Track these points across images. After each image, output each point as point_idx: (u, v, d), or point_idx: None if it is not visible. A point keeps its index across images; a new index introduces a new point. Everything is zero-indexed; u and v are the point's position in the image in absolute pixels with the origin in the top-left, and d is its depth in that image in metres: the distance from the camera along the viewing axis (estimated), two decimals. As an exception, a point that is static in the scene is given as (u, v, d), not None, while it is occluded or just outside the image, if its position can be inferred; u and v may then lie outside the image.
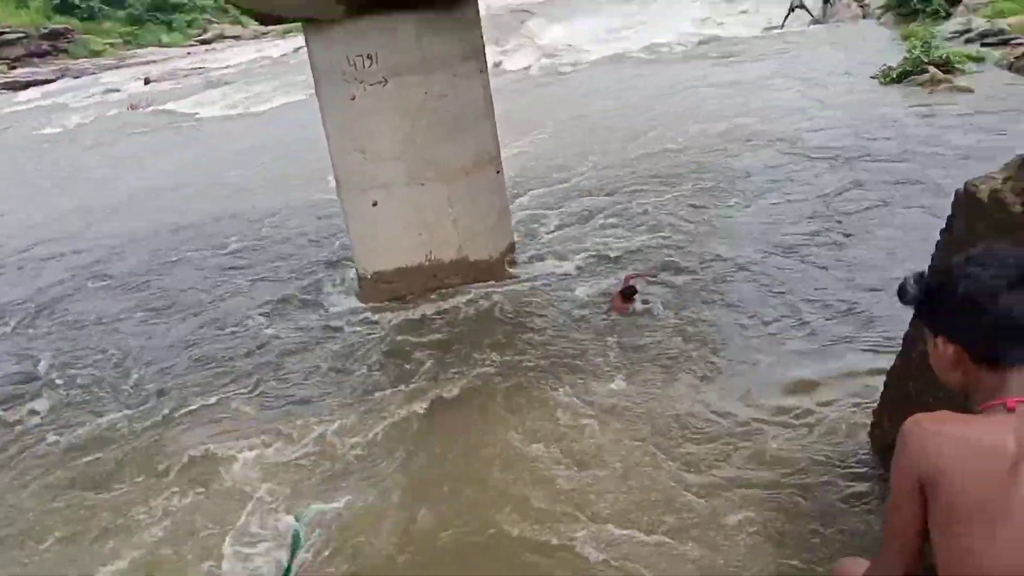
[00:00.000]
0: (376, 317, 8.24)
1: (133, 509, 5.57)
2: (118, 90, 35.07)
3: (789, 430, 5.37)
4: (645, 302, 7.63)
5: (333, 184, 8.85)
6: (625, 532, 4.63)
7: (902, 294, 1.92)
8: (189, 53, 49.25)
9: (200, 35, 55.55)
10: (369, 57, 7.72)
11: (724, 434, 5.45)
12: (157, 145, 21.06)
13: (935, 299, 1.84)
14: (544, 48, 28.81)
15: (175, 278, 10.40)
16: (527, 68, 24.67)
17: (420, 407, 6.41)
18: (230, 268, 10.46)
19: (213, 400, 7.05)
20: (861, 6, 24.18)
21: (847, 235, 8.47)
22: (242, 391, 7.14)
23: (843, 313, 6.84)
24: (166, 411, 6.96)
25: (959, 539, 1.69)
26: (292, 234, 11.39)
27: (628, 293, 7.65)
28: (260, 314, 8.83)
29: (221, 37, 54.79)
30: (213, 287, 9.88)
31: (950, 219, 5.41)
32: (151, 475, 5.98)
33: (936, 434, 1.72)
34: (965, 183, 5.23)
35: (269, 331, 8.36)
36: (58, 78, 42.90)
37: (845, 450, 5.05)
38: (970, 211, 5.10)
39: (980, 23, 17.53)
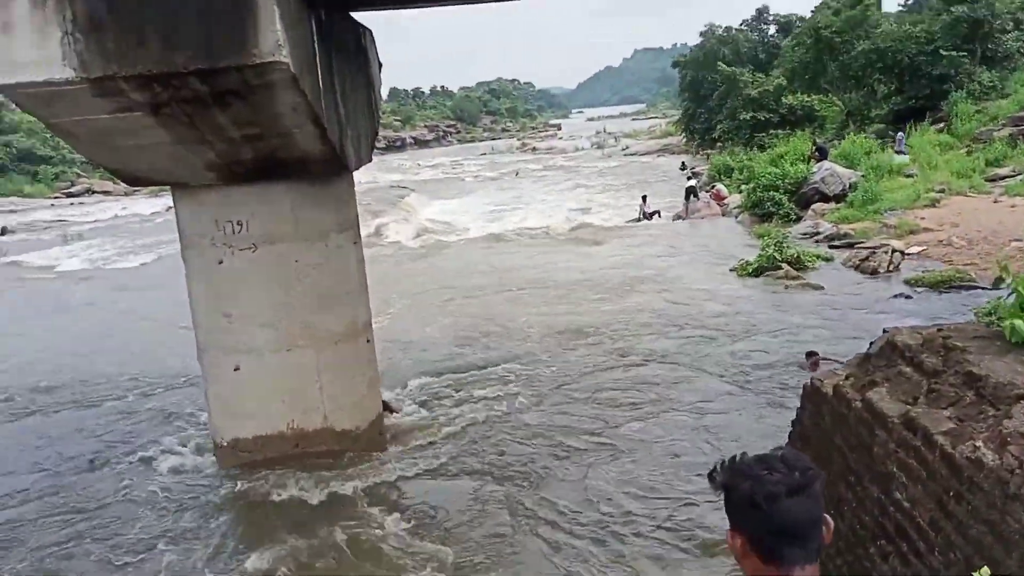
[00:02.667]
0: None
1: None
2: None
3: None
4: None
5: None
6: None
7: (711, 480, 2.00)
8: (53, 205, 48.31)
9: (67, 188, 54.72)
10: (240, 223, 7.75)
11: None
12: (7, 299, 20.22)
13: (728, 493, 1.93)
14: (423, 223, 29.49)
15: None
16: (405, 241, 25.11)
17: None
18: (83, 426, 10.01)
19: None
20: (720, 205, 25.70)
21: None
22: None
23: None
24: None
25: None
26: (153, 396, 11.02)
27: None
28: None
29: (90, 191, 54.12)
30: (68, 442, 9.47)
31: (799, 410, 5.75)
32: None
33: None
34: (811, 377, 5.60)
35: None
36: (-96, 220, 40.67)
37: None
38: (816, 403, 5.43)
39: (827, 227, 18.95)
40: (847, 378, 5.14)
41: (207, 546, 6.99)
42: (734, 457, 1.97)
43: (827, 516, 1.90)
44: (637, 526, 6.82)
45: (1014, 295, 4.78)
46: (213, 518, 7.51)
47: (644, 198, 28.55)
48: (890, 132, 28.37)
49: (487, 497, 7.50)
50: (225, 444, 8.43)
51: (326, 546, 6.84)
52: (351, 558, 6.68)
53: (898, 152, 24.79)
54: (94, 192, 53.98)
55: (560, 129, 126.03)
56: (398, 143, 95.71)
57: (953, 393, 4.33)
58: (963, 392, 4.30)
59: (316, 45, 6.82)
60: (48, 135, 53.75)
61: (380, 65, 9.58)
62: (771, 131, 35.40)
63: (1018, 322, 4.49)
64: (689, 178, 30.43)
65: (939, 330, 4.97)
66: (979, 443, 3.79)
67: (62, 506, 8.00)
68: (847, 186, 21.93)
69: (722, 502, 1.95)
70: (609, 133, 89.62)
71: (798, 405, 5.65)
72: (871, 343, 5.35)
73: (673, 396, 9.73)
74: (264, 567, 6.56)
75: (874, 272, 15.06)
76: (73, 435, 9.93)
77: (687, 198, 27.28)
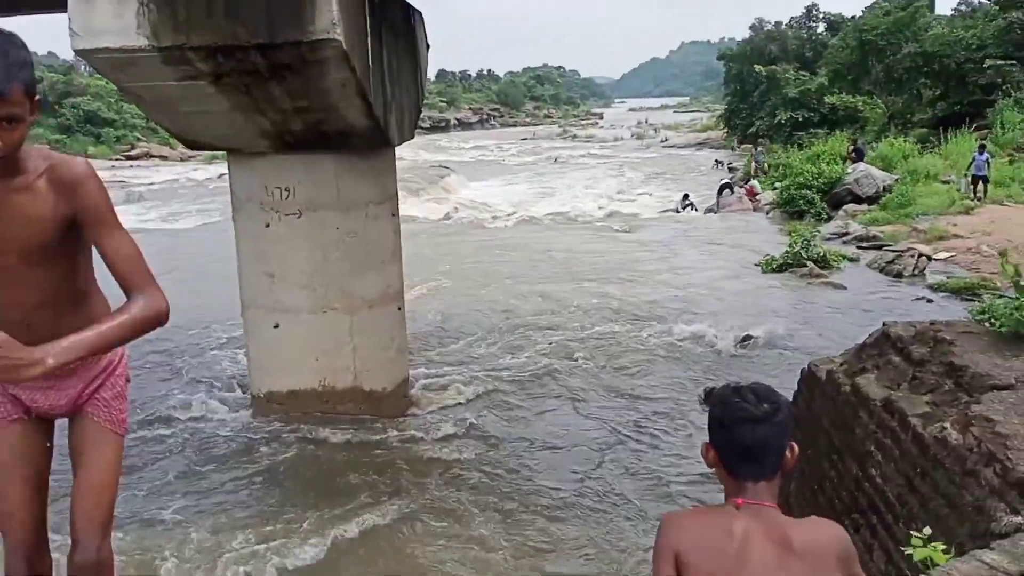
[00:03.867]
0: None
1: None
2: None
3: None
4: None
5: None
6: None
7: (702, 401, 2.43)
8: (114, 167, 49.36)
9: (127, 151, 55.85)
10: (287, 190, 8.22)
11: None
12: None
13: (709, 412, 2.34)
14: (460, 203, 29.92)
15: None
16: (443, 219, 25.58)
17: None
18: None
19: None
20: (752, 200, 25.84)
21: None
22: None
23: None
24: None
25: None
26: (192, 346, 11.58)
27: None
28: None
29: (148, 155, 55.22)
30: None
31: (795, 393, 6.13)
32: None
33: (682, 523, 2.22)
34: (808, 363, 5.98)
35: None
36: (-25, 177, 42.47)
37: None
38: (810, 386, 5.81)
39: (857, 228, 19.01)
40: (841, 365, 5.50)
41: (232, 486, 7.52)
42: (721, 386, 2.37)
43: (793, 444, 2.27)
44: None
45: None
46: (241, 461, 8.01)
47: (686, 196, 28.75)
48: (931, 138, 28.10)
49: (490, 462, 7.91)
50: (261, 396, 8.97)
51: (336, 489, 7.36)
52: (358, 498, 7.18)
53: (976, 177, 20.59)
54: (152, 156, 55.15)
55: (602, 118, 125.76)
56: (442, 124, 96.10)
57: (934, 381, 4.68)
58: (943, 380, 4.65)
59: (368, 23, 7.22)
60: (112, 99, 55.17)
61: (428, 46, 9.96)
62: (811, 130, 35.35)
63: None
64: (727, 173, 30.59)
65: (932, 324, 5.31)
66: (947, 424, 4.12)
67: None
68: (881, 188, 22.03)
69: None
70: (650, 124, 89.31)
71: (795, 389, 6.03)
72: (869, 335, 5.69)
73: (677, 372, 10.21)
74: (276, 506, 7.09)
75: (899, 275, 15.17)
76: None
77: (720, 192, 27.51)
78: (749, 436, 2.19)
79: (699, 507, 2.38)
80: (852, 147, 26.58)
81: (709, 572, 2.11)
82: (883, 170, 23.60)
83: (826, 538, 2.17)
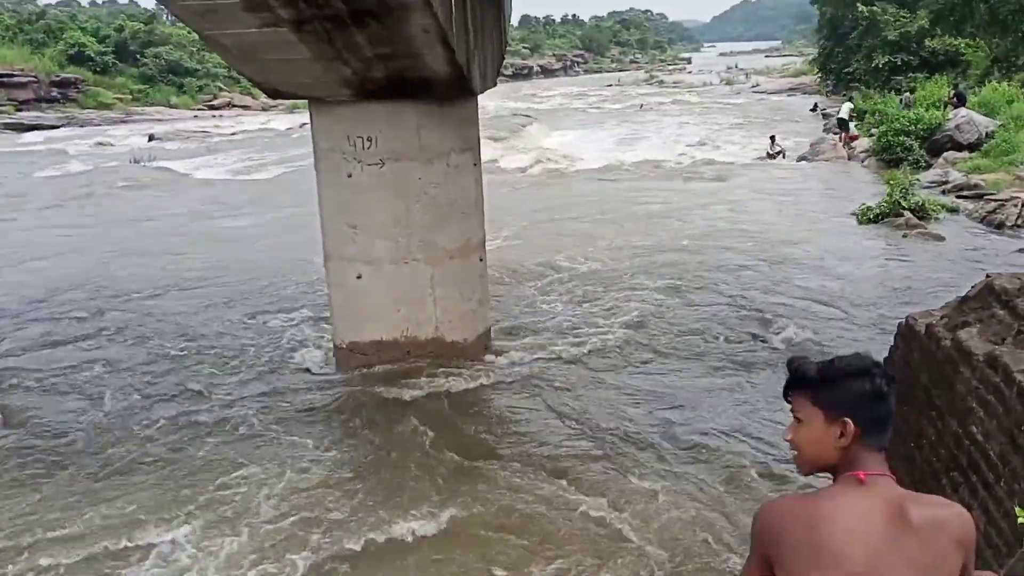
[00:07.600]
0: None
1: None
2: (122, 143, 35.65)
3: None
4: None
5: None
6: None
7: (802, 375, 2.17)
8: (196, 116, 50.24)
9: (210, 100, 56.64)
10: (369, 139, 8.17)
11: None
12: (153, 200, 21.39)
13: (843, 385, 2.11)
14: (542, 153, 29.67)
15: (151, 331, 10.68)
16: (525, 168, 25.39)
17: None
18: (210, 332, 10.75)
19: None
20: (847, 148, 25.18)
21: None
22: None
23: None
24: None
25: None
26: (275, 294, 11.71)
27: None
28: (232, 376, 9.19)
29: (230, 105, 55.92)
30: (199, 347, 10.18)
31: (892, 347, 5.90)
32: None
33: (779, 515, 2.08)
34: (907, 317, 5.73)
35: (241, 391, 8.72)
36: (63, 125, 44.04)
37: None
38: (908, 341, 5.58)
39: (957, 176, 18.25)
40: (941, 319, 5.28)
41: (310, 433, 7.63)
42: (834, 358, 2.18)
43: None
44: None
45: None
46: (323, 414, 8.09)
47: (773, 138, 28.04)
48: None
49: (564, 416, 7.84)
50: (344, 346, 9.00)
51: (413, 441, 7.38)
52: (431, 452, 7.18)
53: None
54: (234, 106, 55.81)
55: (690, 63, 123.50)
56: (525, 71, 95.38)
57: (1041, 337, 4.46)
58: (1051, 337, 4.43)
59: (451, -31, 7.04)
60: (194, 48, 55.90)
61: (512, -9, 9.77)
62: (910, 74, 34.04)
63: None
64: (848, 116, 28.89)
65: (1039, 276, 5.05)
66: (1055, 381, 3.94)
67: (182, 384, 8.75)
68: (983, 135, 21.07)
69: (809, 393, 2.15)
70: (740, 69, 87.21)
71: (891, 344, 5.80)
72: (972, 287, 5.43)
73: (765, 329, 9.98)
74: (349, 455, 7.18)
75: (1000, 225, 14.60)
76: (201, 326, 10.68)
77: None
78: (891, 402, 2.13)
79: (795, 497, 2.21)
80: (953, 92, 25.51)
81: (802, 560, 1.99)
82: (985, 116, 22.52)
83: (948, 518, 2.05)
